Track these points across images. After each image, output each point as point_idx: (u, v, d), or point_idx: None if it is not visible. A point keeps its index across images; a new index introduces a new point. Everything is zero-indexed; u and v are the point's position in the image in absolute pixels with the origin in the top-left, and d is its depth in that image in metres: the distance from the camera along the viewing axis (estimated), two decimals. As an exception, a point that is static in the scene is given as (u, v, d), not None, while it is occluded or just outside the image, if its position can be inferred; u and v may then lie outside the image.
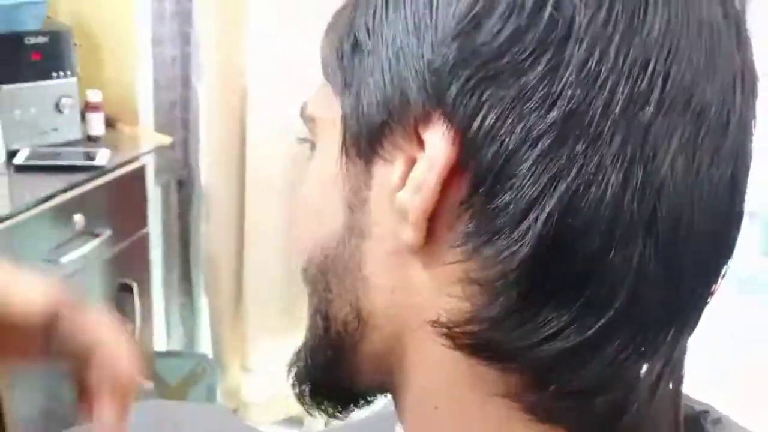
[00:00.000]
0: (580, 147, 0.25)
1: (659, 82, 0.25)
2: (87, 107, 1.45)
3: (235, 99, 1.67)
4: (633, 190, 0.25)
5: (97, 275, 1.40)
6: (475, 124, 0.26)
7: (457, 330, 0.28)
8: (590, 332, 0.26)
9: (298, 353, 0.39)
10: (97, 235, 1.32)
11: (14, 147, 1.34)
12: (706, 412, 0.41)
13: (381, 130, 0.29)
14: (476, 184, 0.26)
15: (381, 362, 0.34)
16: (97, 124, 1.46)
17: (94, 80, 1.53)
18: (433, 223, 0.28)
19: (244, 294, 1.85)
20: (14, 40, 1.32)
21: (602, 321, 0.26)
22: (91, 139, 1.46)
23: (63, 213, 1.26)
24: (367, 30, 0.29)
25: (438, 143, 0.27)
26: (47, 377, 1.32)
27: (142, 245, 1.51)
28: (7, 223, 1.15)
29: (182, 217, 1.89)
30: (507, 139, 0.25)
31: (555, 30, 0.25)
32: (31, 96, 1.36)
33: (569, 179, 0.25)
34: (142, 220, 1.49)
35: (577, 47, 0.25)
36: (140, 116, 1.62)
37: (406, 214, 0.28)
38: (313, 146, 0.35)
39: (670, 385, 0.31)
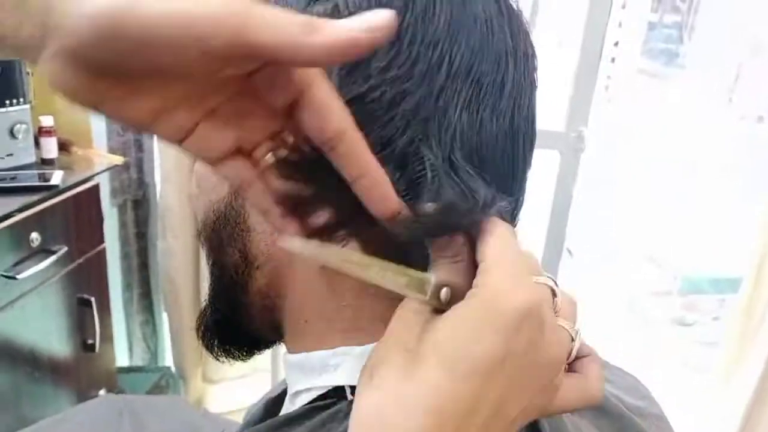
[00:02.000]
0: (386, 103, 0.35)
1: (446, 57, 0.35)
2: (41, 132, 1.52)
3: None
4: (435, 136, 0.35)
5: (56, 291, 1.45)
6: None
7: None
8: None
9: (203, 312, 0.47)
10: (53, 252, 1.38)
11: (-30, 172, 1.40)
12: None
13: None
14: None
15: (266, 295, 0.43)
16: (50, 148, 1.53)
17: (48, 106, 1.59)
18: None
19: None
20: (-34, 70, 1.38)
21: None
22: (45, 162, 1.52)
23: (20, 231, 1.32)
24: None
25: None
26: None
27: (99, 261, 1.57)
28: (-34, 242, 1.21)
29: (140, 235, 1.95)
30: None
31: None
32: (-15, 123, 1.42)
33: (377, 129, 0.35)
34: (98, 237, 1.56)
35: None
36: (93, 139, 1.69)
37: None
38: None
39: None
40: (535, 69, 0.40)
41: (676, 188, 3.73)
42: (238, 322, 0.45)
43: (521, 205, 0.41)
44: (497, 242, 0.32)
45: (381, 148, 0.34)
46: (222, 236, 0.43)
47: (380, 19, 0.27)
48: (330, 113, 0.30)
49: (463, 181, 0.34)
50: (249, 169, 0.33)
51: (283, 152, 0.33)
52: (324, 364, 0.39)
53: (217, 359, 0.48)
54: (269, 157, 0.33)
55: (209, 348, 0.48)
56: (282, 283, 0.41)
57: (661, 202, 3.66)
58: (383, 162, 0.32)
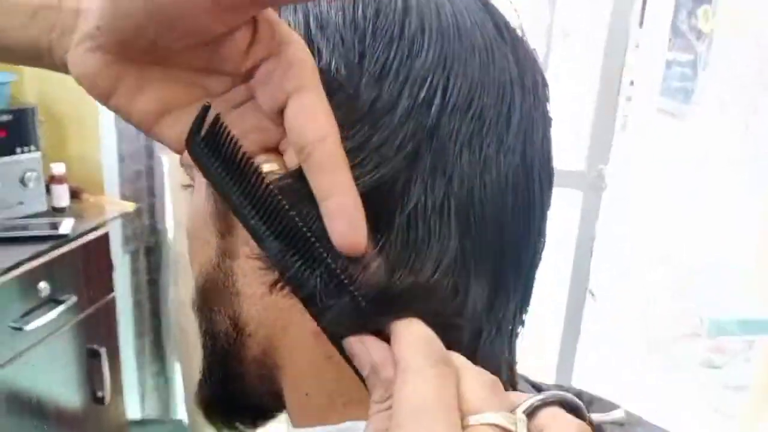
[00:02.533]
0: (373, 145, 0.31)
1: (439, 92, 0.31)
2: (52, 180, 1.50)
3: (199, 165, 1.72)
4: (423, 178, 0.31)
5: (65, 342, 1.41)
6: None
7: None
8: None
9: (200, 384, 0.43)
10: (62, 302, 1.35)
11: (-20, 221, 1.38)
12: (580, 393, 0.45)
13: None
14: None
15: (262, 365, 0.38)
16: (61, 196, 1.51)
17: (59, 154, 1.59)
18: None
19: (217, 357, 1.86)
20: (-21, 120, 1.38)
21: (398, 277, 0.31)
22: (56, 210, 1.50)
23: (28, 281, 1.29)
24: None
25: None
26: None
27: (109, 311, 1.54)
28: (-27, 293, 1.18)
29: (152, 283, 1.92)
30: None
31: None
32: (-4, 171, 1.41)
33: (369, 172, 0.31)
34: (108, 286, 1.53)
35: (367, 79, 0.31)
36: (105, 186, 1.68)
37: None
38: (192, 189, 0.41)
39: (505, 353, 0.35)
40: (547, 100, 0.36)
41: (699, 225, 3.66)
42: (236, 393, 0.41)
43: (542, 248, 0.37)
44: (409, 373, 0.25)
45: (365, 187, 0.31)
46: (211, 302, 0.39)
47: None
48: (314, 115, 0.29)
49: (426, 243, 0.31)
50: None
51: (271, 167, 0.31)
52: None
53: None
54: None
55: (212, 423, 0.43)
56: (277, 353, 0.37)
57: (685, 239, 3.59)
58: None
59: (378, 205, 0.31)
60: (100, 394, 1.52)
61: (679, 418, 2.41)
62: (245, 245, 0.35)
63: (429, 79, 0.31)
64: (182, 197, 1.77)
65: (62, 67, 0.32)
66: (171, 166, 1.76)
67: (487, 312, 0.34)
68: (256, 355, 0.38)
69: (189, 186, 0.41)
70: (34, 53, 0.33)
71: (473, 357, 0.33)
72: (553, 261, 0.45)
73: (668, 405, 2.42)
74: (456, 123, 0.31)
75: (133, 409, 1.86)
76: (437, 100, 0.31)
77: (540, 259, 0.36)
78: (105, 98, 0.31)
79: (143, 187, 1.82)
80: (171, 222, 1.85)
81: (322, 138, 0.28)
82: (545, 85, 0.36)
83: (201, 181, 0.37)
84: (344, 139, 0.30)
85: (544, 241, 0.36)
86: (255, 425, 0.44)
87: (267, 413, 0.43)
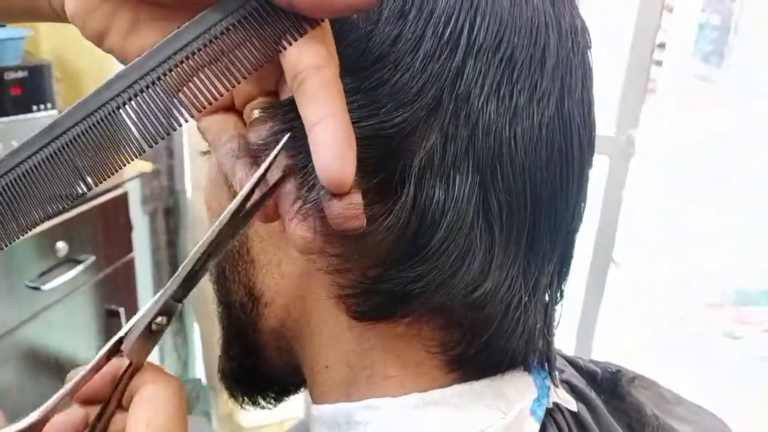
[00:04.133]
0: (390, 88, 0.28)
1: (465, 31, 0.28)
2: (69, 139, 1.49)
3: (218, 126, 1.70)
4: (442, 126, 0.28)
5: (83, 301, 1.41)
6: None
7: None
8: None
9: (220, 358, 0.42)
10: (80, 262, 1.34)
11: (-2, 179, 1.38)
12: (620, 371, 0.43)
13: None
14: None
15: (280, 336, 0.36)
16: (79, 155, 1.50)
17: (77, 113, 1.57)
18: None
19: (235, 318, 1.86)
20: (-6, 76, 1.35)
21: (422, 253, 0.28)
22: (74, 170, 1.49)
23: (46, 241, 1.28)
24: None
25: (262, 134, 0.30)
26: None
27: (128, 271, 1.53)
28: (-10, 252, 1.18)
29: (171, 244, 1.92)
30: None
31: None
32: (13, 130, 1.39)
33: (382, 118, 0.28)
34: (126, 246, 1.52)
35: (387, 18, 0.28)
36: (124, 146, 1.66)
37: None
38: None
39: (538, 323, 0.33)
40: (587, 46, 0.32)
41: (729, 196, 3.58)
42: (255, 367, 0.39)
43: (582, 211, 0.33)
44: None
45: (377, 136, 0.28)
46: (225, 271, 0.38)
47: None
48: (312, 46, 0.26)
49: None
50: (234, 123, 0.31)
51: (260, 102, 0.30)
52: (350, 419, 0.33)
53: (242, 407, 0.42)
54: (256, 113, 0.30)
55: (234, 397, 0.42)
56: (296, 323, 0.35)
57: (713, 211, 3.52)
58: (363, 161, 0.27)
59: (391, 155, 0.28)
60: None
61: (699, 389, 2.39)
62: None
63: (454, 17, 0.28)
64: (201, 161, 1.75)
65: (62, 12, 0.31)
66: (190, 127, 1.73)
67: (516, 279, 0.31)
68: (274, 326, 0.36)
69: (207, 152, 0.39)
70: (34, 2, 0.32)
71: (500, 325, 0.31)
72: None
73: (689, 376, 2.39)
74: (483, 66, 0.28)
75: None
76: (463, 40, 0.28)
77: (580, 222, 0.33)
78: (99, 39, 0.30)
79: (161, 147, 1.80)
80: (189, 183, 1.84)
81: (318, 66, 0.26)
82: (585, 29, 0.32)
83: (216, 144, 0.35)
84: (358, 80, 0.28)
85: (585, 203, 0.33)
86: (276, 400, 0.42)
87: (287, 389, 0.41)
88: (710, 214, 3.50)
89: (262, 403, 0.42)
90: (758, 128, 3.89)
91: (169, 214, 1.88)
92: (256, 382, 0.41)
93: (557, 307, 0.35)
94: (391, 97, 0.28)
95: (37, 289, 1.25)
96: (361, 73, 0.28)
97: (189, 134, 1.76)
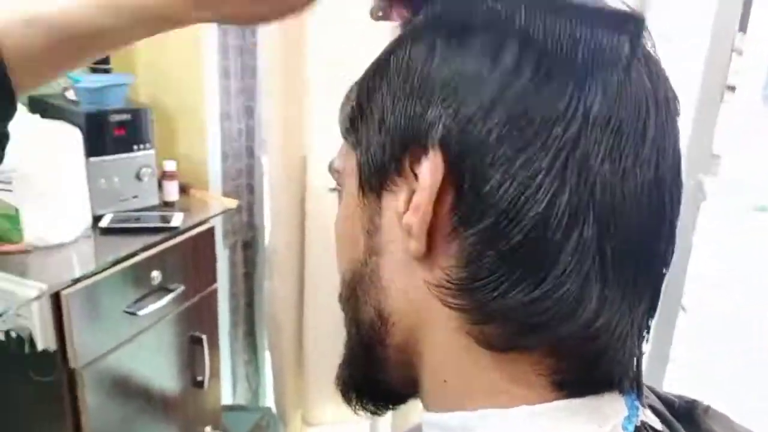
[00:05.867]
0: (519, 159, 0.34)
1: (581, 107, 0.34)
2: (164, 176, 1.61)
3: (295, 166, 1.78)
4: (570, 187, 0.34)
5: (171, 328, 1.51)
6: (454, 158, 0.35)
7: (448, 294, 0.36)
8: (538, 289, 0.34)
9: (341, 366, 0.47)
10: (171, 290, 1.44)
11: (99, 212, 1.49)
12: (695, 401, 0.47)
13: (385, 171, 0.38)
14: (459, 203, 0.35)
15: (403, 352, 0.42)
16: (172, 191, 1.61)
17: (170, 152, 1.69)
18: (431, 236, 0.36)
19: (305, 350, 1.92)
20: (101, 118, 1.48)
21: (544, 282, 0.34)
22: (167, 204, 1.61)
23: (142, 270, 1.39)
24: (365, 97, 0.40)
25: (426, 174, 0.35)
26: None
27: (211, 300, 1.63)
28: (93, 279, 1.28)
29: (248, 276, 2.01)
30: (477, 165, 0.34)
31: (507, 88, 0.34)
32: (115, 167, 1.51)
33: (513, 185, 0.34)
34: (211, 277, 1.62)
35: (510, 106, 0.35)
36: (210, 183, 1.78)
37: (410, 230, 0.36)
38: (340, 193, 0.45)
39: (632, 351, 0.38)
40: (677, 114, 0.38)
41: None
42: (374, 377, 0.45)
43: (671, 258, 0.39)
44: None
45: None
46: (358, 294, 0.43)
47: None
48: None
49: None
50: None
51: None
52: (464, 425, 0.38)
53: (355, 413, 0.48)
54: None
55: (348, 401, 0.48)
56: (418, 341, 0.41)
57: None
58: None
59: (520, 212, 0.34)
60: (199, 378, 1.61)
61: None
62: (391, 243, 0.39)
63: (569, 94, 0.34)
64: (278, 197, 1.85)
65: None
66: (270, 165, 1.83)
67: (623, 314, 0.36)
68: (399, 342, 0.41)
69: (335, 189, 0.45)
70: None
71: (606, 354, 0.36)
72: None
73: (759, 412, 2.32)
74: (597, 136, 0.34)
75: (225, 394, 1.95)
76: (579, 115, 0.34)
77: (668, 266, 0.38)
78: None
79: (243, 184, 1.91)
80: (268, 219, 1.94)
81: None
82: (675, 99, 0.38)
83: (351, 185, 0.42)
84: (509, 153, 0.34)
85: (673, 251, 0.38)
86: (385, 408, 0.48)
87: (399, 398, 0.47)
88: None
89: (375, 410, 0.47)
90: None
91: (246, 247, 1.98)
92: (374, 392, 0.47)
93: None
94: (524, 160, 0.34)
95: (133, 314, 1.35)
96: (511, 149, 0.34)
97: (269, 172, 1.85)
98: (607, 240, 0.34)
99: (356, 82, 0.42)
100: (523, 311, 0.35)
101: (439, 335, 0.39)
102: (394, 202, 0.38)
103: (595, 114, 0.34)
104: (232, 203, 1.70)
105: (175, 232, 1.47)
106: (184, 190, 1.68)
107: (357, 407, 0.46)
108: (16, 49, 0.50)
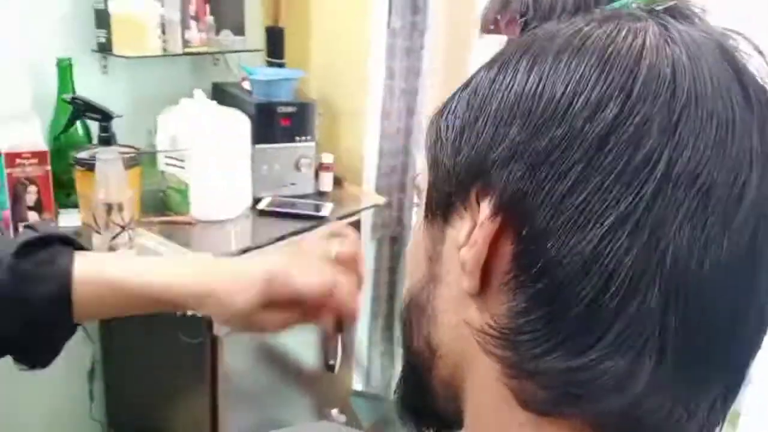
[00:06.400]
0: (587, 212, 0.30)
1: (662, 160, 0.30)
2: (321, 167, 1.70)
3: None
4: (637, 249, 0.30)
5: (311, 310, 1.60)
6: (515, 200, 0.32)
7: (489, 341, 0.34)
8: (584, 356, 0.31)
9: (397, 385, 0.48)
10: (316, 276, 1.52)
11: (259, 195, 1.62)
12: None
13: (450, 200, 0.36)
14: (517, 249, 0.32)
15: (449, 386, 0.41)
16: (327, 182, 1.71)
17: (330, 145, 1.79)
18: (487, 276, 0.34)
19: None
20: (269, 108, 1.60)
21: (591, 349, 0.31)
22: (321, 194, 1.70)
23: (291, 253, 1.48)
24: (443, 123, 0.37)
25: (486, 210, 0.33)
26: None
27: (354, 289, 1.70)
28: (246, 255, 1.39)
29: (391, 271, 2.07)
30: (538, 212, 0.31)
31: (583, 139, 0.31)
32: (277, 155, 1.63)
33: (579, 240, 0.30)
34: (353, 267, 1.68)
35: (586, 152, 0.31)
36: (364, 178, 1.85)
37: (465, 265, 0.34)
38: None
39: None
40: None
41: None
42: (423, 403, 0.44)
43: (761, 340, 0.33)
44: None
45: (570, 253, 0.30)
46: (411, 320, 0.41)
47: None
48: None
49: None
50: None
51: None
52: None
53: None
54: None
55: (402, 419, 0.47)
56: (462, 380, 0.39)
57: None
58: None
59: (583, 274, 0.30)
60: (331, 362, 1.69)
61: None
62: (448, 274, 0.37)
63: (650, 145, 0.30)
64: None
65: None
66: (424, 166, 1.86)
67: (678, 399, 0.32)
68: (444, 376, 0.40)
69: (427, 216, 0.42)
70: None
71: None
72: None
73: None
74: (679, 195, 0.30)
75: (357, 380, 2.03)
76: (657, 172, 0.30)
77: (753, 357, 0.34)
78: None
79: (395, 182, 1.96)
80: (414, 217, 1.98)
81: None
82: None
83: (423, 205, 0.41)
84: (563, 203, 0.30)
85: (761, 340, 0.34)
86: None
87: (450, 425, 0.46)
88: None
89: (426, 430, 0.46)
90: None
91: (393, 242, 2.04)
92: (424, 416, 0.45)
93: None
94: (590, 216, 0.30)
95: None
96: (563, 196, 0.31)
97: (422, 172, 1.88)
98: (672, 315, 0.30)
99: (447, 100, 0.40)
100: (562, 377, 0.32)
101: (481, 380, 0.37)
102: (456, 232, 0.35)
103: (679, 171, 0.29)
104: (380, 199, 1.76)
105: (324, 221, 1.55)
106: (338, 182, 1.76)
107: (411, 427, 0.46)
108: (89, 304, 0.61)
